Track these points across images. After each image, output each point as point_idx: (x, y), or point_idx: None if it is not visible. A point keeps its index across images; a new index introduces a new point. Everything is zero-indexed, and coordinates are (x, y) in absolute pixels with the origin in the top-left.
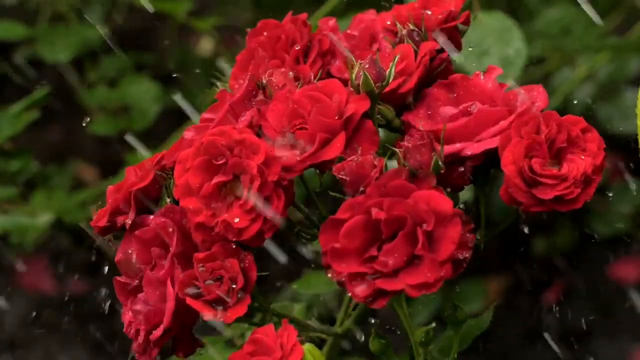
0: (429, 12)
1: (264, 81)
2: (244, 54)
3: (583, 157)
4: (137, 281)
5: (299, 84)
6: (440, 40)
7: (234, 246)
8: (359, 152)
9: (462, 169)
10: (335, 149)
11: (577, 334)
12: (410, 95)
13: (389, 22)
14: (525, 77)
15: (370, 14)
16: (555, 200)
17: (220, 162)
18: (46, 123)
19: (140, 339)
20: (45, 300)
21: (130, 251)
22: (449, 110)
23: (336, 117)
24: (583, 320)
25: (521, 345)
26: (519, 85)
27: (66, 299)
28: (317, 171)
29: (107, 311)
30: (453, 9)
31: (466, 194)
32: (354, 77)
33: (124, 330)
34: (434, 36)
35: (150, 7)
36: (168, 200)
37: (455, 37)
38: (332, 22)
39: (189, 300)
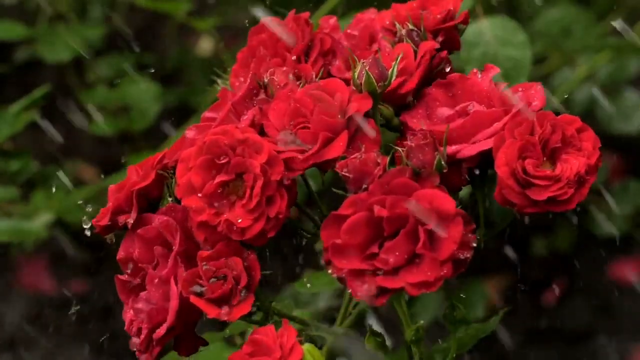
0: (428, 12)
1: (266, 80)
2: (245, 52)
3: (578, 157)
4: (138, 279)
5: (300, 83)
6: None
7: (238, 244)
8: (363, 149)
9: (460, 170)
10: (337, 148)
11: (577, 334)
12: (411, 95)
13: (388, 22)
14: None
15: (370, 13)
16: (548, 201)
17: (222, 161)
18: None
19: (143, 337)
20: (45, 300)
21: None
22: (446, 111)
23: (338, 116)
24: (583, 320)
25: (521, 345)
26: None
27: (66, 299)
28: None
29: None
30: (452, 8)
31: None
32: (356, 76)
33: (125, 328)
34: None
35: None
36: (170, 199)
37: (454, 36)
38: (332, 20)
39: (192, 299)
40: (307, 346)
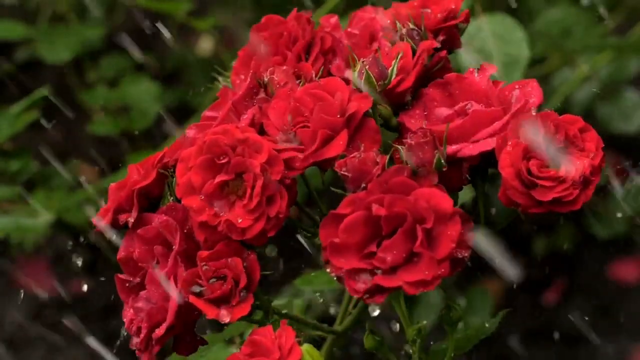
0: (429, 11)
1: (266, 79)
2: (246, 49)
3: (581, 157)
4: (138, 279)
5: (300, 82)
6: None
7: (238, 244)
8: (362, 149)
9: (460, 169)
10: (337, 147)
11: (577, 334)
12: (408, 93)
13: (388, 21)
14: (526, 77)
15: (368, 11)
16: (553, 202)
17: (223, 161)
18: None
19: (142, 336)
20: (45, 300)
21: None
22: (444, 111)
23: (338, 115)
24: (583, 320)
25: (521, 345)
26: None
27: (66, 299)
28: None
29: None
30: (453, 7)
31: (466, 194)
32: (356, 75)
33: (125, 327)
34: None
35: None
36: (170, 198)
37: (454, 35)
38: (333, 19)
39: (192, 299)
40: (306, 346)
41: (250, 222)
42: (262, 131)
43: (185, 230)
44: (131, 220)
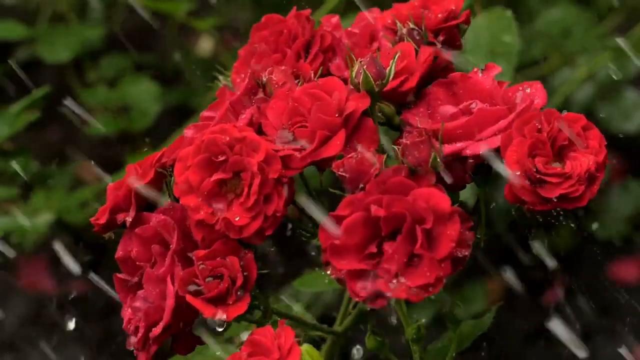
0: (429, 11)
1: (264, 79)
2: (247, 48)
3: (586, 154)
4: (137, 278)
5: (299, 82)
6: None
7: (235, 243)
8: (359, 149)
9: (464, 167)
10: (335, 147)
11: (577, 334)
12: (412, 93)
13: (389, 21)
14: (526, 77)
15: (373, 13)
16: (560, 199)
17: (220, 159)
18: (46, 123)
19: (140, 335)
20: (45, 300)
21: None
22: (449, 109)
23: (336, 115)
24: (583, 320)
25: (521, 345)
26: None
27: (66, 299)
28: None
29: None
30: (454, 8)
31: (466, 193)
32: (354, 75)
33: (124, 326)
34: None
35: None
36: (168, 198)
37: (455, 36)
38: (335, 19)
39: (188, 298)
40: (305, 346)
41: (248, 220)
42: (260, 131)
43: (183, 230)
44: (129, 219)
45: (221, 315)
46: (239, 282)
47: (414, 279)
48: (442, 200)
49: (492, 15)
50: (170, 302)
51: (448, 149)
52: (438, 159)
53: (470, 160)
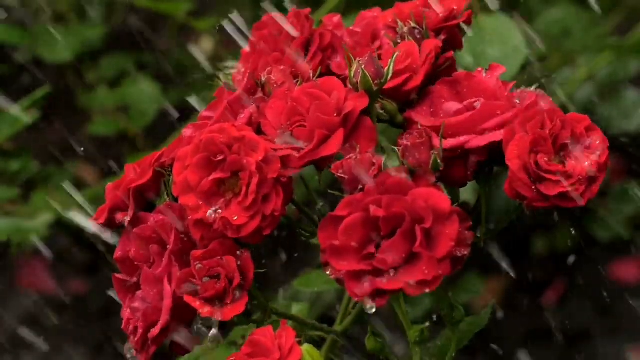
0: (431, 10)
1: (263, 79)
2: (249, 48)
3: (587, 154)
4: (135, 278)
5: (297, 81)
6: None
7: (232, 243)
8: (358, 150)
9: (466, 164)
10: (333, 146)
11: (577, 334)
12: (415, 92)
13: (390, 20)
14: (526, 77)
15: (374, 12)
16: (559, 197)
17: (219, 159)
18: (46, 123)
19: (138, 336)
20: (45, 300)
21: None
22: (454, 105)
23: (335, 115)
24: (583, 320)
25: (521, 345)
26: (520, 87)
27: (66, 299)
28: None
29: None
30: (455, 7)
31: (466, 193)
32: (352, 74)
33: (123, 327)
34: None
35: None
36: (167, 197)
37: (456, 35)
38: (336, 18)
39: (186, 298)
40: (306, 347)
41: (246, 219)
42: (259, 131)
43: (182, 229)
44: (127, 219)
45: (218, 315)
46: (236, 281)
47: (411, 274)
48: (442, 200)
49: (499, 17)
50: (167, 303)
51: (451, 142)
52: (439, 161)
53: (474, 156)
